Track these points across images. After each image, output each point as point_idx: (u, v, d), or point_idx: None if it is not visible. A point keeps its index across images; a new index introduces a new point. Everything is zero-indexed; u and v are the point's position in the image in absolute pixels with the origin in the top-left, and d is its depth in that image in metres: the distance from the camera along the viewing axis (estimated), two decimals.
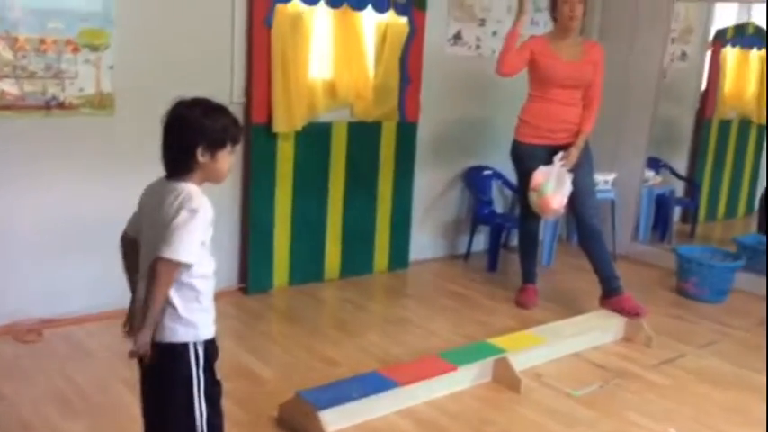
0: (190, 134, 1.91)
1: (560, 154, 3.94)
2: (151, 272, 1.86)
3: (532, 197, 3.95)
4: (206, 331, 2.00)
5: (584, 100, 4.04)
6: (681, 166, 6.06)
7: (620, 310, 3.91)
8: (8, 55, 3.24)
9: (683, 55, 5.77)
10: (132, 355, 1.91)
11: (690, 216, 6.19)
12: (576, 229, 4.16)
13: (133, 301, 2.05)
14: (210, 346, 2.03)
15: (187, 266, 1.88)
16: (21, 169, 3.40)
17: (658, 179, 5.66)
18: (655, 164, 5.70)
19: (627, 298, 3.96)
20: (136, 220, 2.05)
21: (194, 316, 1.96)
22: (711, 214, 6.28)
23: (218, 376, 2.07)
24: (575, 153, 3.96)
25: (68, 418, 2.77)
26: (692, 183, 6.06)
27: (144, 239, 2.00)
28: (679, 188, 6.10)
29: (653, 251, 5.37)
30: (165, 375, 1.98)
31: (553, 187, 3.85)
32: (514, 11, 4.93)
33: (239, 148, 2.04)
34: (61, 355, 3.30)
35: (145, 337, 1.88)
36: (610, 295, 4.01)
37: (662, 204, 5.81)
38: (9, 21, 3.22)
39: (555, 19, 3.99)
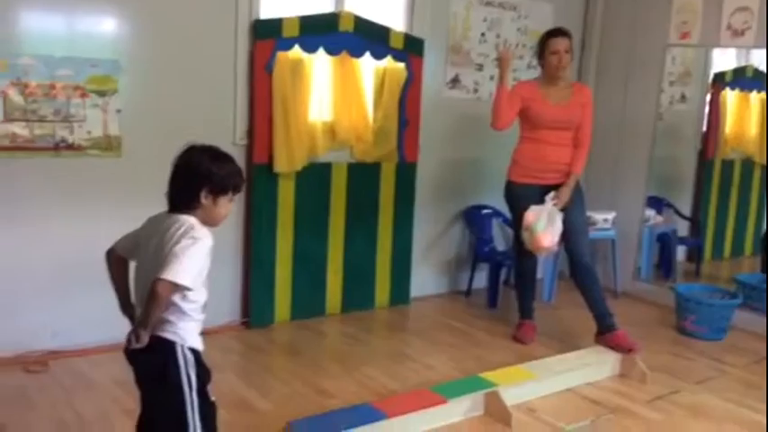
0: (197, 176, 2.08)
1: (552, 193, 4.03)
2: (150, 291, 1.97)
3: (525, 236, 4.04)
4: (191, 341, 2.10)
5: (575, 141, 4.14)
6: (685, 205, 6.11)
7: (614, 347, 3.96)
8: (19, 100, 3.44)
9: (683, 97, 5.87)
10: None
11: (695, 255, 6.22)
12: (570, 267, 4.23)
13: (124, 305, 2.21)
14: (200, 364, 2.13)
15: (184, 289, 2.00)
16: (30, 207, 3.57)
17: (659, 218, 5.71)
18: (657, 203, 5.75)
19: (621, 334, 4.01)
20: (128, 242, 2.20)
21: (179, 325, 2.07)
22: (718, 253, 6.28)
23: (212, 398, 2.18)
24: (566, 192, 4.05)
25: None
26: (696, 222, 6.10)
27: (141, 265, 2.14)
28: (684, 227, 6.15)
29: (654, 289, 5.40)
30: (158, 376, 2.09)
31: (544, 226, 3.94)
32: (512, 56, 5.13)
33: (239, 195, 2.20)
34: (65, 386, 3.41)
35: (143, 341, 2.01)
36: (604, 332, 4.06)
37: (665, 243, 5.87)
38: (20, 68, 3.42)
39: (543, 66, 4.13)
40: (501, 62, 4.04)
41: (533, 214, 3.98)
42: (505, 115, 4.04)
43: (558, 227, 3.97)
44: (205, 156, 2.10)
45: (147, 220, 2.18)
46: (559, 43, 4.02)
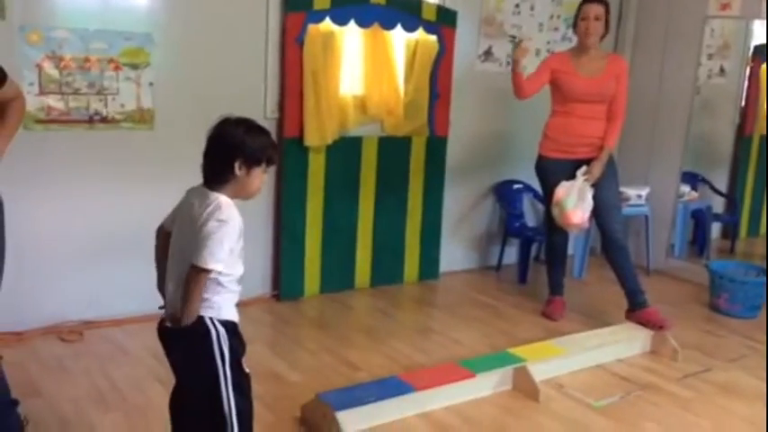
0: (231, 148, 2.07)
1: (583, 168, 3.98)
2: (187, 277, 2.02)
3: (555, 212, 4.01)
4: (225, 313, 2.12)
5: (608, 114, 4.06)
6: (721, 181, 6.01)
7: (645, 323, 3.92)
8: (54, 73, 3.47)
9: (722, 70, 5.74)
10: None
11: (730, 232, 6.12)
12: (602, 243, 4.19)
13: (161, 287, 2.21)
14: (235, 336, 2.14)
15: (216, 272, 2.03)
16: (65, 179, 3.62)
17: (694, 194, 5.61)
18: (692, 179, 5.66)
19: (652, 311, 3.97)
20: (171, 217, 2.22)
21: (213, 299, 2.08)
22: (753, 230, 6.18)
23: (247, 369, 2.20)
24: (598, 167, 3.99)
25: (104, 415, 2.92)
26: (732, 198, 5.99)
27: (174, 234, 2.17)
28: (719, 204, 6.05)
29: (688, 267, 5.33)
30: (190, 350, 2.11)
31: (574, 203, 3.90)
32: (546, 29, 5.05)
33: (270, 169, 2.20)
34: (100, 355, 3.49)
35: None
36: (635, 308, 4.03)
37: (700, 220, 5.78)
38: (55, 41, 3.45)
39: (575, 32, 4.06)
40: (514, 60, 3.90)
41: (563, 190, 3.94)
42: (528, 88, 3.97)
43: (588, 203, 3.92)
44: (239, 128, 2.10)
45: (187, 192, 2.19)
46: (590, 9, 3.92)
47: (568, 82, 3.99)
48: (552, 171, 4.08)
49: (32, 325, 3.63)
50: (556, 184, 3.98)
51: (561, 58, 4.07)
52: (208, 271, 2.00)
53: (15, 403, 2.56)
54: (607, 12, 3.98)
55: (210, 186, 2.09)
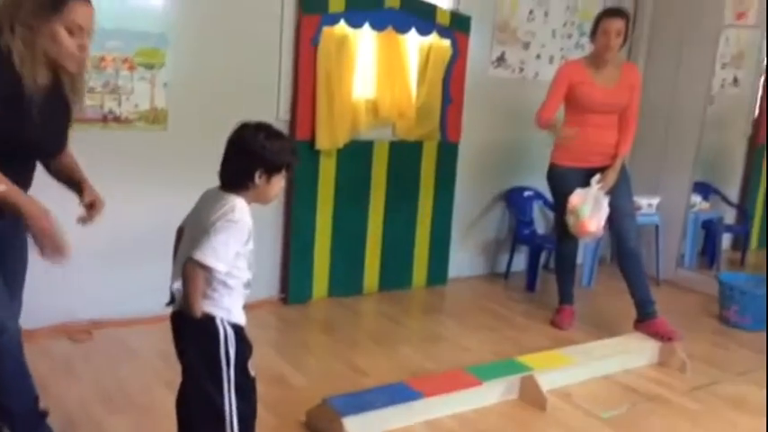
0: (251, 157, 2.05)
1: (597, 176, 3.97)
2: (184, 271, 2.01)
3: (570, 220, 3.99)
4: (234, 316, 2.11)
5: (621, 122, 4.05)
6: (733, 192, 5.98)
7: (654, 334, 3.90)
8: None
9: (735, 80, 5.71)
10: None
11: (741, 243, 6.09)
12: (616, 251, 4.17)
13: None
14: (241, 339, 2.13)
15: (215, 271, 2.00)
16: None
17: (706, 204, 5.59)
18: (704, 189, 5.64)
19: (661, 322, 3.95)
20: (188, 218, 2.21)
21: (224, 300, 2.08)
22: (765, 241, 6.14)
23: (252, 373, 2.19)
24: (611, 176, 3.98)
25: (111, 416, 2.92)
26: (743, 209, 5.96)
27: (185, 234, 2.16)
28: (730, 214, 6.02)
29: (697, 277, 5.30)
30: (198, 345, 2.10)
31: (590, 210, 3.89)
32: (560, 35, 5.03)
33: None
34: (108, 355, 3.49)
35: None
36: (644, 319, 4.01)
37: (710, 230, 5.75)
38: None
39: (594, 44, 4.03)
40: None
41: (578, 198, 3.93)
42: (548, 114, 4.00)
43: (604, 211, 3.91)
44: (260, 135, 2.07)
45: (202, 194, 2.18)
46: (611, 24, 3.88)
47: (586, 93, 3.96)
48: (565, 179, 4.06)
49: (42, 323, 3.62)
50: (569, 192, 3.97)
51: (576, 68, 4.04)
52: (204, 267, 1.97)
53: (44, 415, 2.51)
54: (627, 24, 3.94)
55: (227, 190, 2.08)
